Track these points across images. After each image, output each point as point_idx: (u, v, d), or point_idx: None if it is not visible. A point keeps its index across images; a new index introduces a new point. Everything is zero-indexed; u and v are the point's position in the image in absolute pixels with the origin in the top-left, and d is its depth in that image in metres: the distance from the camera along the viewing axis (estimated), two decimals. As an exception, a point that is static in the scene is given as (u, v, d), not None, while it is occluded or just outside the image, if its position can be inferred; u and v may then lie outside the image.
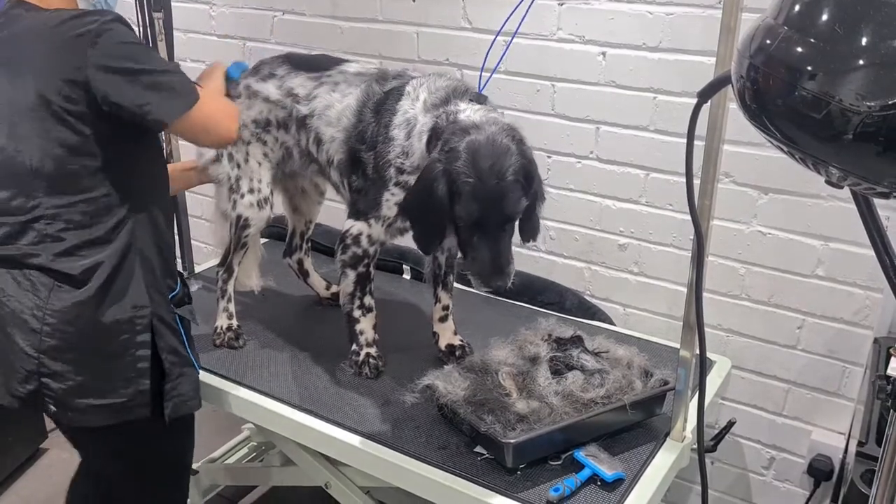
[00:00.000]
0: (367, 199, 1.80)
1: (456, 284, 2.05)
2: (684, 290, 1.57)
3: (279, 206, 2.22)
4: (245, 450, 2.65)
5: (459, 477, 1.58)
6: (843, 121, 0.75)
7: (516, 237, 1.61)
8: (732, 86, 0.88)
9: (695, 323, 1.50)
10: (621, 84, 2.12)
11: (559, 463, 1.63)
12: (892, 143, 0.74)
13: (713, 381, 1.93)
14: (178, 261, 2.52)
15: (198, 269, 2.56)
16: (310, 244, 2.33)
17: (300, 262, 2.32)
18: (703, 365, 1.54)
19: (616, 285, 2.31)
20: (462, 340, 2.00)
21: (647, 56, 2.06)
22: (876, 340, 1.91)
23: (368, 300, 1.89)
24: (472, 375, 1.75)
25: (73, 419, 1.65)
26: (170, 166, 2.25)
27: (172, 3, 2.26)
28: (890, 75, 0.73)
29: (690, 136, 1.22)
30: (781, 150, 0.84)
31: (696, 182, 1.40)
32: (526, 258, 2.37)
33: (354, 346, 1.92)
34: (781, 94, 0.80)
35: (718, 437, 1.88)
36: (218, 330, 2.08)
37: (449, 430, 1.71)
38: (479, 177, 1.51)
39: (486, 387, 1.70)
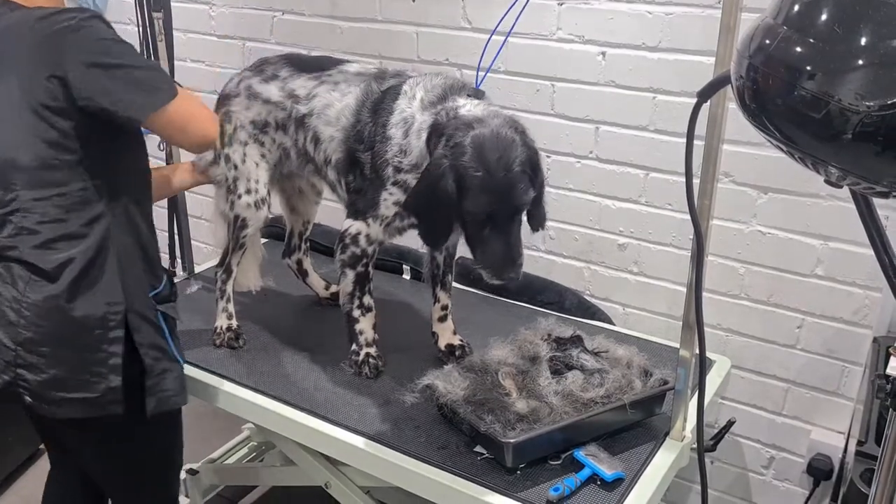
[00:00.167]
0: (365, 199, 1.80)
1: (455, 284, 2.05)
2: (684, 289, 1.57)
3: (277, 207, 2.23)
4: (245, 450, 2.65)
5: (459, 476, 1.58)
6: (842, 120, 0.75)
7: (524, 229, 1.62)
8: (732, 85, 0.88)
9: (694, 322, 1.50)
10: (621, 84, 2.12)
11: (559, 462, 1.63)
12: (890, 143, 0.74)
13: (713, 381, 1.93)
14: (178, 261, 2.53)
15: (198, 269, 2.56)
16: (308, 244, 2.33)
17: (299, 263, 2.32)
18: (703, 364, 1.54)
19: (616, 285, 2.31)
20: (462, 340, 2.00)
21: (647, 56, 2.06)
22: (875, 340, 1.91)
23: (368, 300, 1.89)
24: (472, 375, 1.75)
25: (48, 411, 1.66)
26: (167, 167, 2.26)
27: (172, 3, 2.26)
28: (889, 75, 0.73)
29: (690, 135, 1.22)
30: (781, 149, 0.85)
31: (696, 182, 1.40)
32: (525, 258, 2.37)
33: (354, 346, 1.92)
34: (781, 93, 0.80)
35: (718, 437, 1.88)
36: (218, 330, 2.08)
37: (449, 429, 1.71)
38: (487, 170, 1.52)
39: (485, 386, 1.70)
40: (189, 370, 1.95)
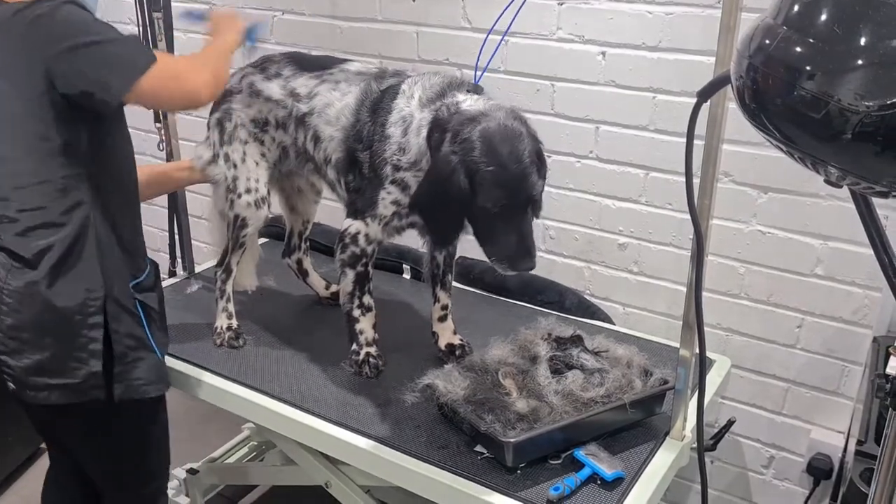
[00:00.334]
0: (364, 199, 1.80)
1: (455, 284, 2.05)
2: (684, 289, 1.57)
3: (276, 206, 2.22)
4: (245, 449, 2.65)
5: (459, 476, 1.58)
6: (841, 120, 0.75)
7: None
8: (732, 85, 0.88)
9: (694, 322, 1.50)
10: (621, 84, 2.12)
11: (559, 462, 1.63)
12: (890, 143, 0.74)
13: (713, 381, 1.93)
14: (178, 261, 2.53)
15: (198, 269, 2.55)
16: (308, 244, 2.33)
17: (299, 262, 2.32)
18: (703, 364, 1.54)
19: (616, 285, 2.32)
20: (462, 340, 2.00)
21: (647, 56, 2.06)
22: (875, 339, 1.91)
23: (368, 299, 1.89)
24: (472, 375, 1.75)
25: (31, 397, 1.67)
26: (166, 166, 2.25)
27: (172, 3, 2.26)
28: (888, 75, 0.73)
29: (690, 135, 1.22)
30: (780, 149, 0.85)
31: (696, 181, 1.40)
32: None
33: (354, 346, 1.92)
34: (780, 93, 0.80)
35: (718, 436, 1.88)
36: (218, 330, 2.08)
37: (449, 429, 1.71)
38: (499, 163, 1.52)
39: (485, 386, 1.71)
40: (189, 370, 1.95)
